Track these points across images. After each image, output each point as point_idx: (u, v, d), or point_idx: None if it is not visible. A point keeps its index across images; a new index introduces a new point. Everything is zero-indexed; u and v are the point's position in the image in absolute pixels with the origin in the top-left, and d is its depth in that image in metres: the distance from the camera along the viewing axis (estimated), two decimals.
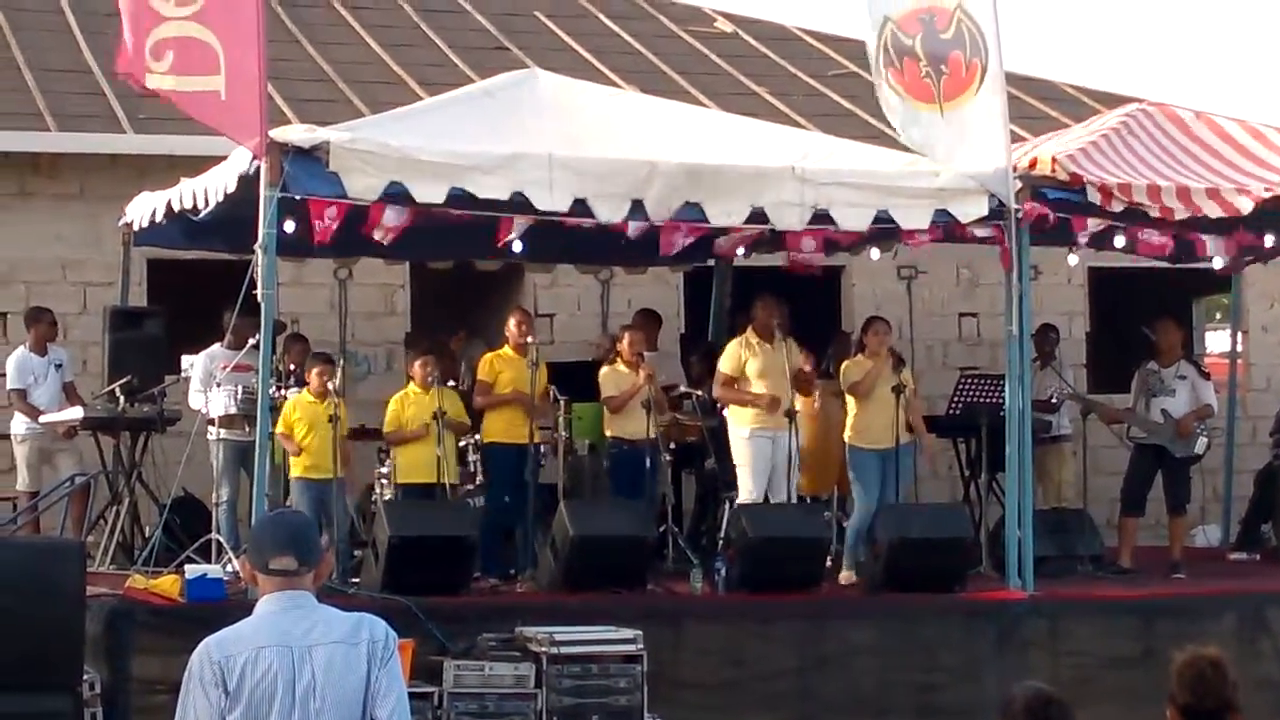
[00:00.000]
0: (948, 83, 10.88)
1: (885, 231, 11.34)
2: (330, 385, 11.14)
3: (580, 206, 10.23)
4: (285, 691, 4.44)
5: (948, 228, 10.95)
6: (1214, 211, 11.09)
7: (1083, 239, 11.37)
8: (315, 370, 11.28)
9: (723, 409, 11.95)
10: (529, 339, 11.71)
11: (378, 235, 10.12)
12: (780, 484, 11.44)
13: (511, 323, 11.91)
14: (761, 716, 10.27)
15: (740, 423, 11.54)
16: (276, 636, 4.49)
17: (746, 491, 11.43)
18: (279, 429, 11.08)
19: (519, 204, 10.17)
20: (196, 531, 11.23)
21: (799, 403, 11.66)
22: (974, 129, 10.85)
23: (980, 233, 10.92)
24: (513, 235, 10.43)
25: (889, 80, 11.12)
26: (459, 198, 10.03)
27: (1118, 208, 10.97)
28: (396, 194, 9.97)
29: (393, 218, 10.01)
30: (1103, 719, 9.60)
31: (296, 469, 11.16)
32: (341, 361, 11.90)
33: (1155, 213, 11.04)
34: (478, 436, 11.82)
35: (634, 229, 10.61)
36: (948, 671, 10.56)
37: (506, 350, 11.82)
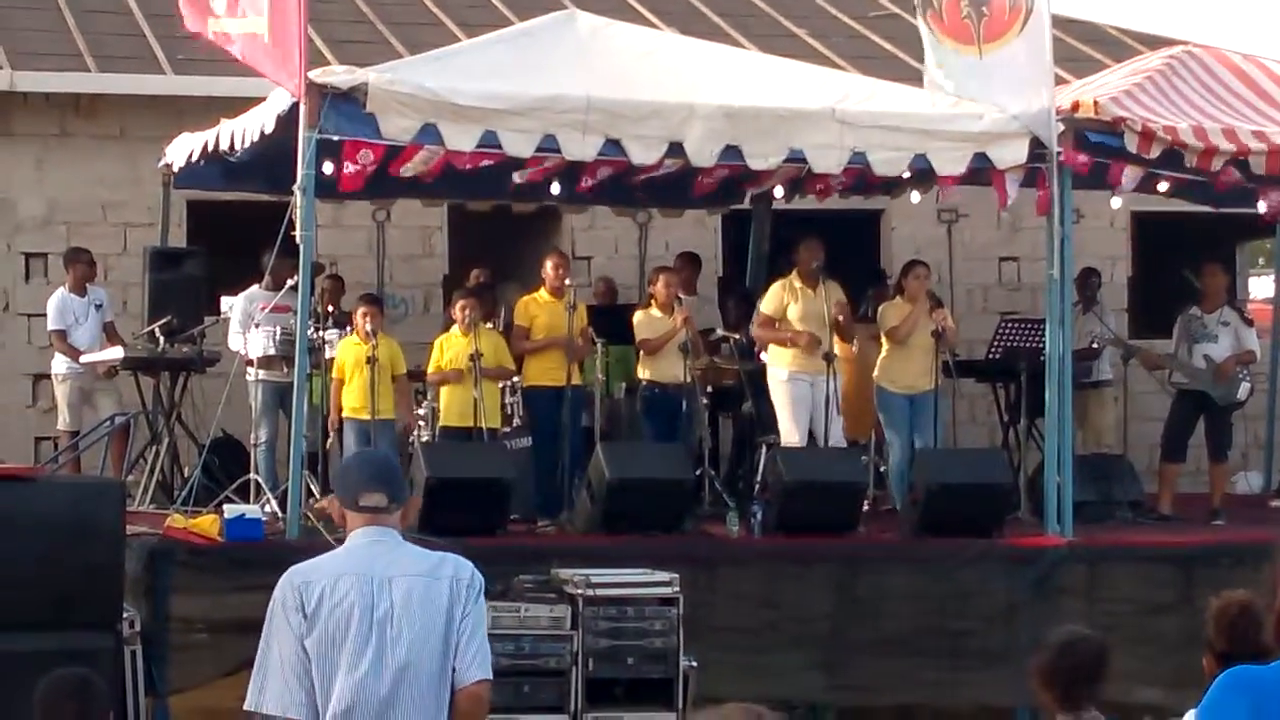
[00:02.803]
0: (988, 24, 10.78)
1: (926, 173, 11.28)
2: (369, 326, 11.18)
3: (615, 148, 10.21)
4: (362, 618, 4.54)
5: (982, 174, 10.89)
6: (1261, 153, 10.97)
7: (1128, 184, 11.25)
8: (360, 311, 11.33)
9: (760, 351, 11.94)
10: (566, 281, 11.70)
11: (406, 171, 10.10)
12: (821, 427, 11.43)
13: (548, 265, 11.89)
14: (796, 659, 10.30)
15: (779, 365, 11.54)
16: (357, 566, 4.60)
17: (786, 434, 11.43)
18: (334, 374, 11.16)
19: (551, 149, 10.16)
20: (235, 472, 11.29)
21: (838, 348, 11.64)
22: (1015, 71, 10.76)
23: (1014, 179, 10.80)
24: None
25: (927, 23, 11.05)
26: (492, 144, 10.02)
27: (1157, 151, 10.87)
28: (433, 136, 9.97)
29: (424, 158, 10.01)
30: (1141, 666, 9.59)
31: (346, 410, 11.23)
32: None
33: (1194, 160, 10.93)
34: (515, 379, 11.84)
35: (662, 171, 10.56)
36: (984, 617, 10.55)
37: (542, 293, 11.80)
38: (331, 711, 4.55)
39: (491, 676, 4.68)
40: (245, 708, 4.65)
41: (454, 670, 4.61)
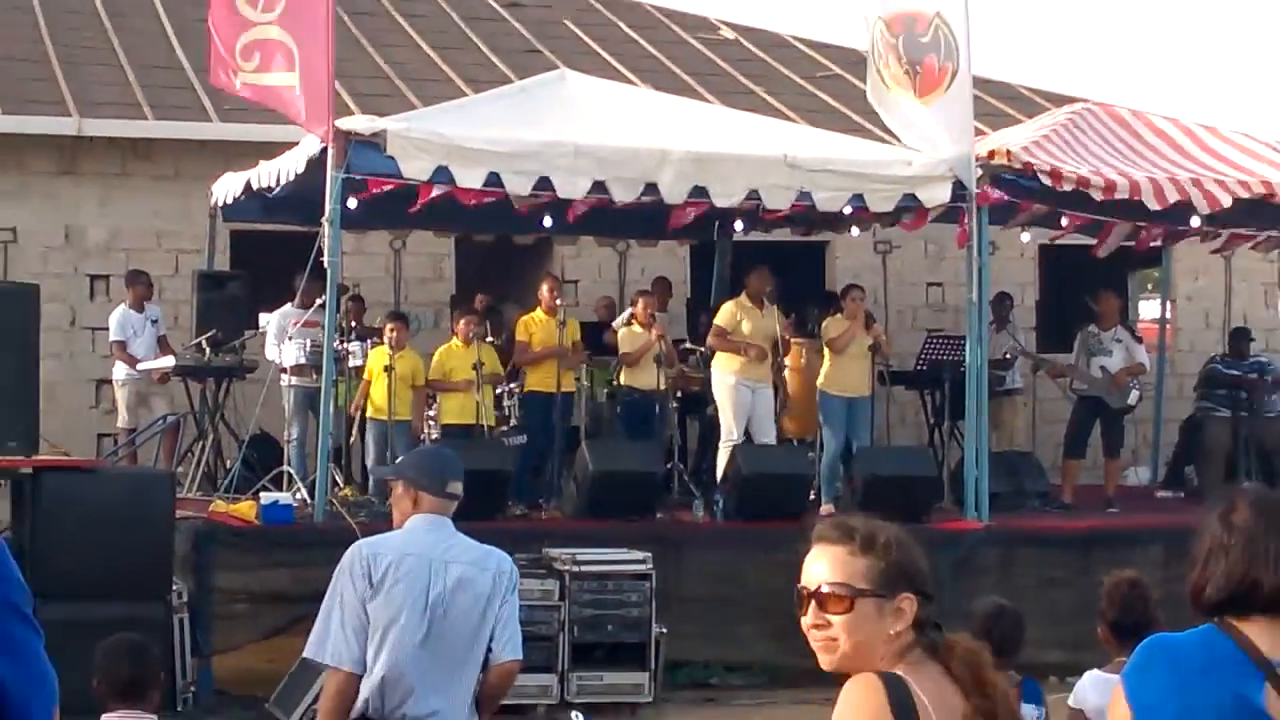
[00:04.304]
0: (921, 82, 10.80)
1: (864, 213, 11.28)
2: (392, 338, 11.20)
3: (600, 188, 10.21)
4: (420, 594, 4.52)
5: (910, 211, 10.90)
6: (1151, 203, 11.01)
7: (1023, 219, 11.32)
8: (389, 326, 11.33)
9: (712, 355, 11.95)
10: (558, 302, 11.71)
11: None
12: (766, 429, 11.43)
13: (544, 288, 11.88)
14: (752, 627, 10.27)
15: (726, 372, 11.47)
16: (421, 548, 4.56)
17: (727, 431, 11.39)
18: (365, 376, 11.17)
19: (545, 186, 10.16)
20: (270, 464, 11.26)
21: (787, 359, 11.65)
22: (942, 123, 10.78)
23: (934, 214, 10.84)
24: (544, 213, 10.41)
25: (878, 70, 11.04)
26: (495, 182, 10.02)
27: (1067, 187, 10.90)
28: (444, 176, 9.96)
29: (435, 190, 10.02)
30: (1047, 634, 9.57)
31: (370, 410, 11.18)
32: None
33: (1099, 195, 10.96)
34: (513, 385, 11.83)
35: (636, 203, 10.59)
36: None
37: (539, 313, 11.78)
38: (380, 672, 4.50)
39: (521, 657, 4.65)
40: (305, 655, 4.62)
41: (489, 650, 4.59)
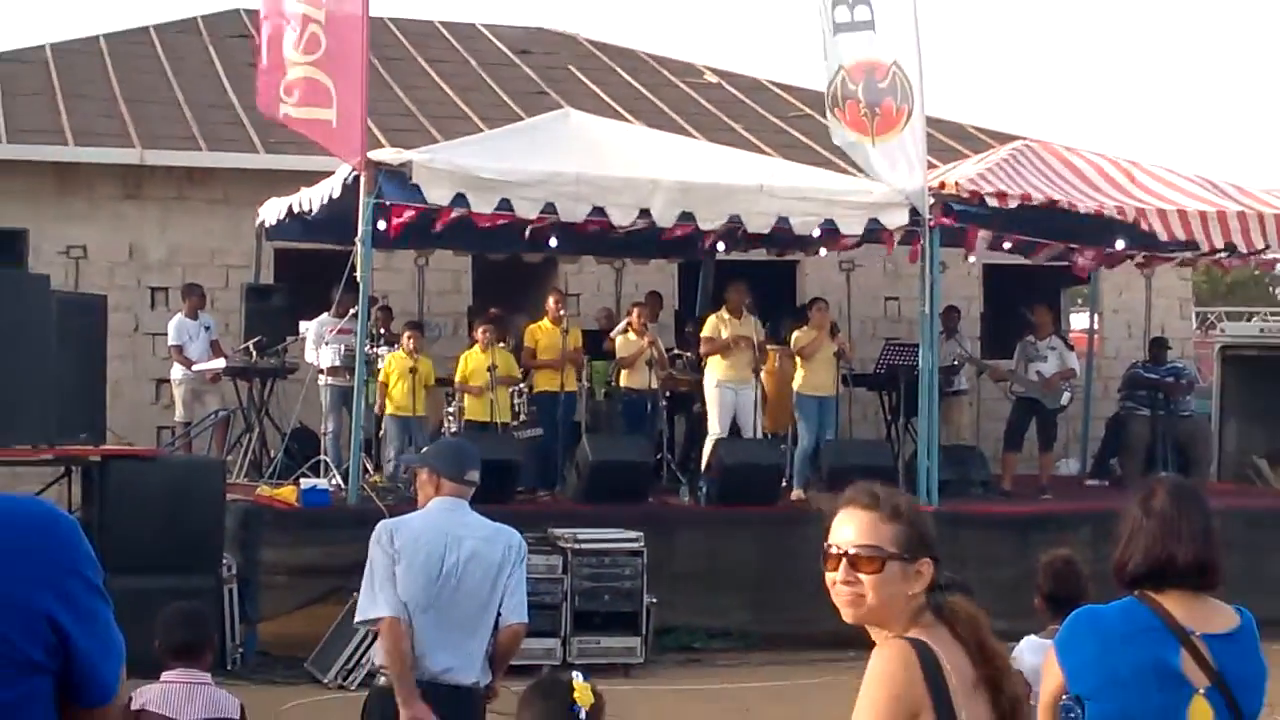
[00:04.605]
0: (879, 122, 10.82)
1: (833, 234, 11.29)
2: (410, 345, 11.17)
3: (599, 212, 10.22)
4: (436, 563, 4.55)
5: (873, 234, 10.92)
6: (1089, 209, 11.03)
7: (979, 246, 11.32)
8: (407, 334, 11.31)
9: (701, 362, 11.97)
10: (562, 312, 11.73)
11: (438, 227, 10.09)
12: (748, 424, 11.44)
13: (550, 301, 11.90)
14: (732, 598, 10.29)
15: (712, 374, 11.51)
16: (438, 525, 4.59)
17: (713, 426, 11.43)
18: (380, 379, 11.11)
19: (551, 211, 10.16)
20: (309, 454, 11.25)
21: (763, 364, 11.67)
22: (899, 157, 10.80)
23: (898, 237, 10.87)
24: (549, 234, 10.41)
25: (835, 116, 11.08)
26: (507, 207, 10.03)
27: (1013, 204, 10.91)
28: (462, 202, 9.96)
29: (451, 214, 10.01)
30: (989, 604, 9.56)
31: (390, 408, 11.17)
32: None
33: (1041, 203, 10.97)
34: (521, 385, 11.84)
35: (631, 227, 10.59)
36: None
37: (545, 322, 11.80)
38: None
39: (527, 620, 4.66)
40: (356, 621, 4.67)
41: (499, 614, 4.61)
